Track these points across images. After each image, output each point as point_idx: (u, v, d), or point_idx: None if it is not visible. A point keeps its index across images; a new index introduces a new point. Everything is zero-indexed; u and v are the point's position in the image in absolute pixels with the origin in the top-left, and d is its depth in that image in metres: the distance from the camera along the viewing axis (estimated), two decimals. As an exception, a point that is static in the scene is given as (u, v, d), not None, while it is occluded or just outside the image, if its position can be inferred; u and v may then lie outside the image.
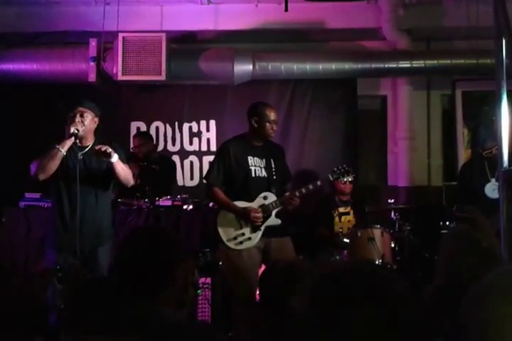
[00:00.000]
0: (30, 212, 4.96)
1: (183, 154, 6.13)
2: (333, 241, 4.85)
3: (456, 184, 5.27)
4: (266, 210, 3.92)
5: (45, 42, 5.73)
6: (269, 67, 5.57)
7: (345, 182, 4.90)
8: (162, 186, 5.40)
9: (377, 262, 4.32)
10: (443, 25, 5.92)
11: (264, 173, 3.97)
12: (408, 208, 5.10)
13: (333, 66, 5.58)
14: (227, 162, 3.94)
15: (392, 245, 4.52)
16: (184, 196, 5.16)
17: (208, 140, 6.12)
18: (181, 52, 5.60)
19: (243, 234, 3.88)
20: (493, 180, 4.35)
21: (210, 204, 4.98)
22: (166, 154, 6.04)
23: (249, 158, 3.96)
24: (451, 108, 6.21)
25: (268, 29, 5.87)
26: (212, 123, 6.12)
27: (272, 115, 4.00)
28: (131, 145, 5.81)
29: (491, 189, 4.35)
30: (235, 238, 3.87)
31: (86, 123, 3.70)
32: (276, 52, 5.71)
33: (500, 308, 0.91)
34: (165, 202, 5.02)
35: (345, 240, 4.65)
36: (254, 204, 3.92)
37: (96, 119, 3.80)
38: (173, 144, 6.14)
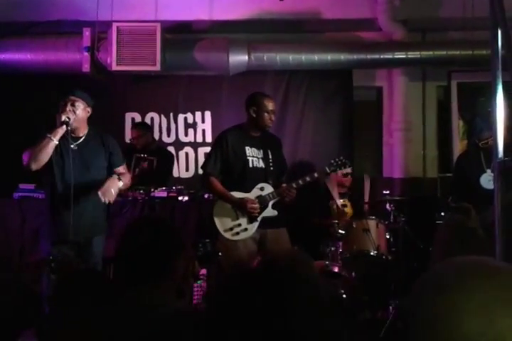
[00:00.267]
0: (24, 203, 4.96)
1: (178, 145, 6.09)
2: (329, 232, 4.85)
3: (451, 175, 5.28)
4: (263, 201, 3.92)
5: (39, 32, 5.66)
6: (265, 58, 5.54)
7: (347, 175, 4.90)
8: (159, 177, 5.38)
9: (372, 253, 4.34)
10: (438, 16, 5.92)
11: (261, 164, 3.97)
12: (403, 199, 5.10)
13: (329, 57, 5.55)
14: (225, 151, 3.93)
15: (387, 236, 4.53)
16: (179, 187, 5.15)
17: (204, 131, 6.09)
18: (176, 43, 5.54)
19: (239, 225, 3.88)
20: (489, 170, 4.34)
21: (206, 196, 4.98)
22: (162, 145, 6.01)
23: (247, 148, 3.96)
24: (447, 99, 6.20)
25: (263, 19, 5.84)
26: (208, 114, 6.08)
27: (270, 105, 4.00)
28: (128, 137, 5.79)
29: (487, 180, 4.34)
30: (232, 229, 3.87)
31: (77, 113, 3.68)
32: (271, 43, 5.66)
33: (434, 307, 0.87)
34: (160, 193, 5.01)
35: (341, 231, 4.66)
36: (251, 195, 3.91)
37: (88, 109, 3.77)
38: (168, 135, 6.10)
